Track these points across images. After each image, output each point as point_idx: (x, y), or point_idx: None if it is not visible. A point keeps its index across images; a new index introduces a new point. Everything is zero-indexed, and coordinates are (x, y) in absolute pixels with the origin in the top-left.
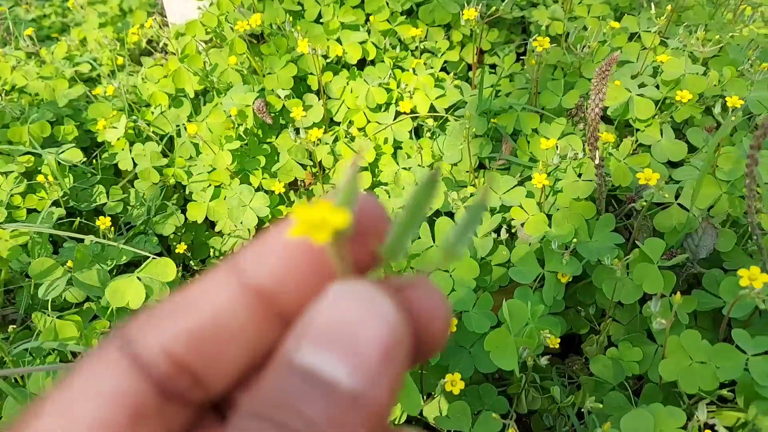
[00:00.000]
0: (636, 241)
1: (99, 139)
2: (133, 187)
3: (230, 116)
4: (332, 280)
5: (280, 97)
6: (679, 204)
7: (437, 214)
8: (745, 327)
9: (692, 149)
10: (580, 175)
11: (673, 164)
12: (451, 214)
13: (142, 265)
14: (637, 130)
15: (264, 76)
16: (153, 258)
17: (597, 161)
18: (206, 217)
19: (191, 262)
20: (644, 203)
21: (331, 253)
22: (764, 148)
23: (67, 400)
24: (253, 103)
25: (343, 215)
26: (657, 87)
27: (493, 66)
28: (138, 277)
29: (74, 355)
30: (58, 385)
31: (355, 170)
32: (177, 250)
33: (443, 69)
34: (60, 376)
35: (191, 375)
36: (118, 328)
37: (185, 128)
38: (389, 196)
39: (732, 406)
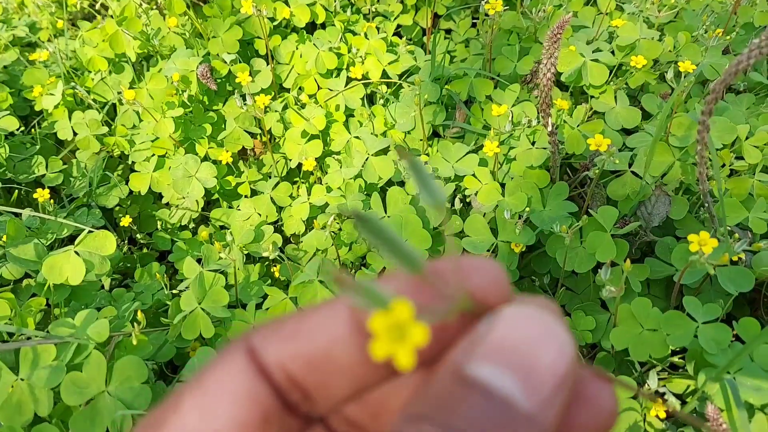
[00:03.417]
0: (589, 210)
1: (36, 108)
2: (75, 157)
3: (173, 82)
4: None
5: (225, 62)
6: (632, 172)
7: (390, 183)
8: (697, 294)
9: (647, 116)
10: (533, 143)
11: (627, 131)
12: (402, 183)
13: (79, 239)
14: (592, 96)
15: (208, 39)
16: (90, 231)
17: (550, 128)
18: (152, 189)
19: (138, 235)
20: (597, 171)
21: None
22: (715, 114)
23: (205, 397)
24: (197, 68)
25: (423, 330)
26: (612, 53)
27: (448, 31)
28: (76, 252)
29: (11, 335)
30: (192, 382)
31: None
32: (122, 223)
33: (397, 33)
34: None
35: (303, 392)
36: (244, 334)
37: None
38: (341, 166)
39: (682, 373)
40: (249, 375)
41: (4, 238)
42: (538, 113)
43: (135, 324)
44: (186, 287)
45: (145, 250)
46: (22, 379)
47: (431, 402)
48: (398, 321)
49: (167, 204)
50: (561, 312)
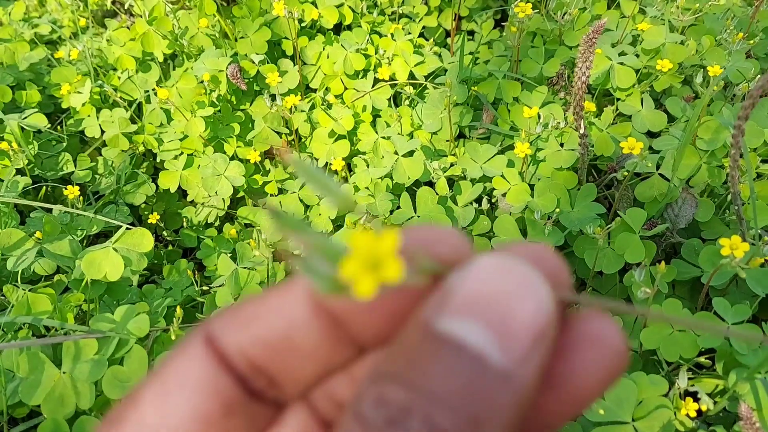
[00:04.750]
0: (617, 211)
1: (63, 105)
2: (100, 155)
3: (202, 82)
4: (406, 317)
5: (254, 62)
6: (660, 174)
7: (417, 184)
8: (723, 296)
9: (671, 119)
10: (562, 145)
11: (651, 134)
12: (431, 184)
13: (116, 236)
14: (618, 99)
15: (236, 40)
16: (127, 228)
17: (582, 130)
18: (178, 187)
19: (164, 232)
20: (626, 173)
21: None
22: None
23: (164, 391)
24: (227, 68)
25: (397, 266)
26: (637, 56)
27: (471, 33)
28: (114, 248)
29: (47, 329)
30: (151, 375)
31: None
32: (149, 221)
33: (421, 35)
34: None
35: (267, 377)
36: (203, 323)
37: (155, 94)
38: (368, 166)
39: (709, 373)
40: (208, 364)
41: (38, 234)
42: (565, 115)
43: (174, 319)
44: (220, 284)
45: (170, 248)
46: (64, 373)
47: (397, 361)
48: (378, 252)
49: (192, 202)
50: (556, 253)
